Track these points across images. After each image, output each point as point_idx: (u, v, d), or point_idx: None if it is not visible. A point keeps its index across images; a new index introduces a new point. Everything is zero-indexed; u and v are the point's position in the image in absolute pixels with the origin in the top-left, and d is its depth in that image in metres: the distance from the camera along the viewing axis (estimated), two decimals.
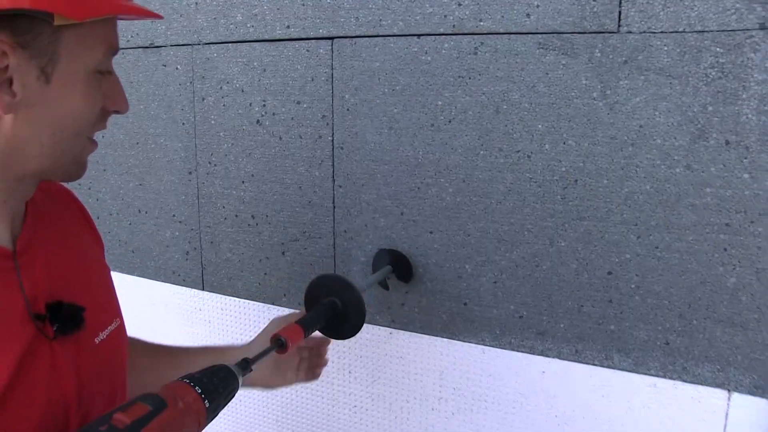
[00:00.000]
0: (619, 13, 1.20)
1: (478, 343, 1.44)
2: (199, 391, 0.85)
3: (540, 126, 1.30)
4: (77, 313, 0.88)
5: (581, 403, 1.36)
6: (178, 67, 1.73)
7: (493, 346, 1.43)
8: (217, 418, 0.89)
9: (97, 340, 0.93)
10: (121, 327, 1.04)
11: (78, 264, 0.97)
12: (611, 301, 1.29)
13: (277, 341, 1.11)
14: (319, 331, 1.27)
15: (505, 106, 1.32)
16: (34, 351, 0.81)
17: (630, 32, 1.20)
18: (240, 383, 0.94)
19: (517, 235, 1.36)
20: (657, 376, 1.28)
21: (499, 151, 1.34)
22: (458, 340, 1.46)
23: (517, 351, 1.40)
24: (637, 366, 1.30)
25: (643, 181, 1.23)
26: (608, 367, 1.32)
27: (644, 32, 1.19)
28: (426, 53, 1.38)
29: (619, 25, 1.21)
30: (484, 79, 1.33)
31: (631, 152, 1.23)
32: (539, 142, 1.30)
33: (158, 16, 0.91)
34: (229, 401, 0.91)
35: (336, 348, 1.62)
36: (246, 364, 0.98)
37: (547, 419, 1.39)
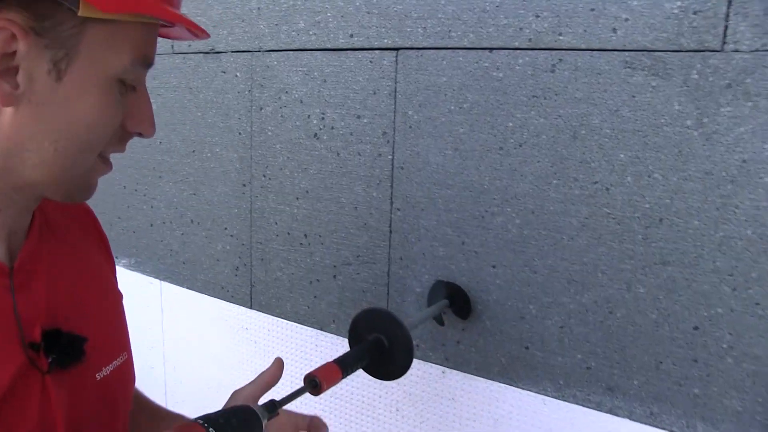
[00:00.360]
0: (725, 28, 1.04)
1: (539, 393, 1.29)
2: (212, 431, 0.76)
3: (622, 155, 1.14)
4: (77, 343, 0.78)
5: None
6: (238, 74, 1.64)
7: (555, 398, 1.27)
8: None
9: (98, 376, 0.83)
10: (129, 362, 0.93)
11: (85, 288, 0.87)
12: (696, 361, 1.13)
13: (310, 381, 0.99)
14: (363, 369, 1.16)
15: (583, 132, 1.17)
16: (23, 384, 0.71)
17: (737, 51, 1.04)
18: (265, 426, 0.84)
19: (590, 277, 1.20)
20: None
21: (574, 181, 1.19)
22: (516, 386, 1.31)
23: (582, 405, 1.24)
24: None
25: (744, 225, 1.06)
26: None
27: (756, 51, 1.02)
28: (498, 69, 1.25)
29: (723, 43, 1.05)
30: (561, 100, 1.19)
31: (730, 191, 1.06)
32: (620, 173, 1.15)
33: (204, 33, 0.80)
34: None
35: (383, 383, 1.49)
36: (273, 407, 0.87)
37: None
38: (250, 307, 1.72)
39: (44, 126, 0.68)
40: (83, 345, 0.78)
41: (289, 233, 1.61)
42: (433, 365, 1.42)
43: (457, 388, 1.40)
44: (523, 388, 1.31)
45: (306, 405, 1.62)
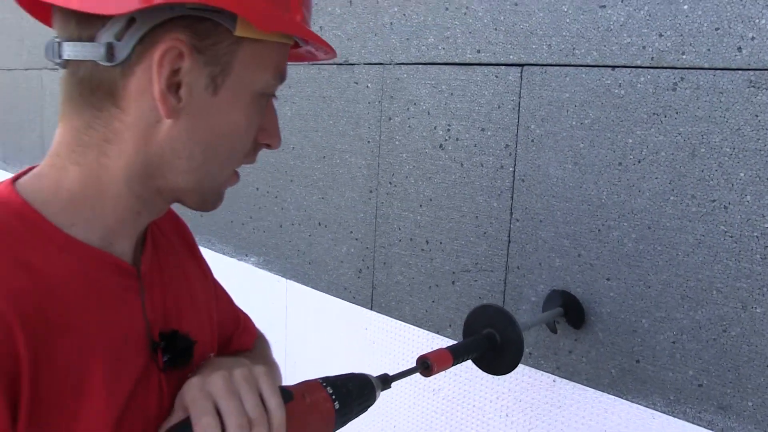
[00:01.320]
0: None
1: (648, 407, 1.30)
2: (330, 391, 0.84)
3: (742, 174, 1.15)
4: (190, 346, 0.83)
5: None
6: (369, 85, 1.74)
7: (664, 413, 1.28)
8: None
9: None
10: None
11: (186, 294, 0.91)
12: None
13: (422, 363, 1.07)
14: (473, 361, 1.22)
15: (702, 150, 1.19)
16: (146, 379, 0.77)
17: None
18: (378, 396, 0.91)
19: (704, 294, 1.21)
20: None
21: (692, 198, 1.21)
22: (626, 399, 1.33)
23: (693, 423, 1.25)
24: None
25: None
26: None
27: None
28: (620, 86, 1.28)
29: None
30: (682, 118, 1.21)
31: None
32: (740, 192, 1.15)
33: (332, 52, 0.87)
34: (362, 411, 0.89)
35: (494, 388, 1.54)
36: (387, 380, 0.95)
37: None
38: (371, 309, 1.81)
39: (198, 136, 0.75)
40: (193, 348, 0.83)
41: (411, 239, 1.69)
42: (545, 373, 1.45)
43: (566, 398, 1.43)
44: (632, 401, 1.32)
45: (417, 405, 1.69)
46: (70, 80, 0.73)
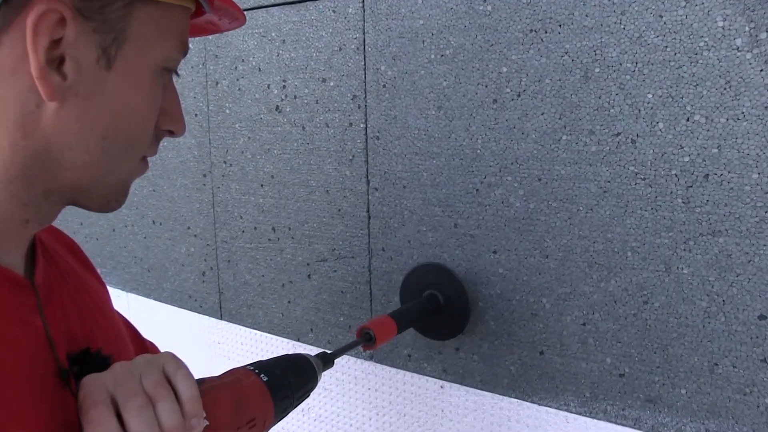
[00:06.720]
0: None
1: (560, 409, 1.02)
2: (254, 369, 0.74)
3: (650, 96, 0.88)
4: (105, 363, 0.66)
5: None
6: (190, 45, 1.40)
7: (580, 414, 1.01)
8: None
9: None
10: None
11: (93, 306, 0.76)
12: (765, 360, 0.85)
13: (364, 335, 0.97)
14: (415, 329, 1.12)
15: (597, 70, 0.91)
16: (63, 413, 0.60)
17: None
18: (319, 379, 0.83)
19: (617, 257, 0.93)
20: None
21: (590, 134, 0.93)
22: (532, 402, 1.05)
23: (617, 424, 0.97)
24: None
25: None
26: None
27: None
28: (485, 2, 0.99)
29: None
30: (567, 32, 0.92)
31: None
32: (649, 119, 0.88)
33: (242, 18, 0.77)
34: (305, 390, 0.80)
35: (373, 402, 1.23)
36: (328, 358, 0.85)
37: None
38: (220, 318, 1.48)
39: (92, 122, 0.61)
40: (110, 364, 0.66)
41: (255, 228, 1.36)
42: (430, 379, 1.15)
43: (459, 406, 1.13)
44: (540, 404, 1.04)
45: (288, 429, 1.37)
46: None
